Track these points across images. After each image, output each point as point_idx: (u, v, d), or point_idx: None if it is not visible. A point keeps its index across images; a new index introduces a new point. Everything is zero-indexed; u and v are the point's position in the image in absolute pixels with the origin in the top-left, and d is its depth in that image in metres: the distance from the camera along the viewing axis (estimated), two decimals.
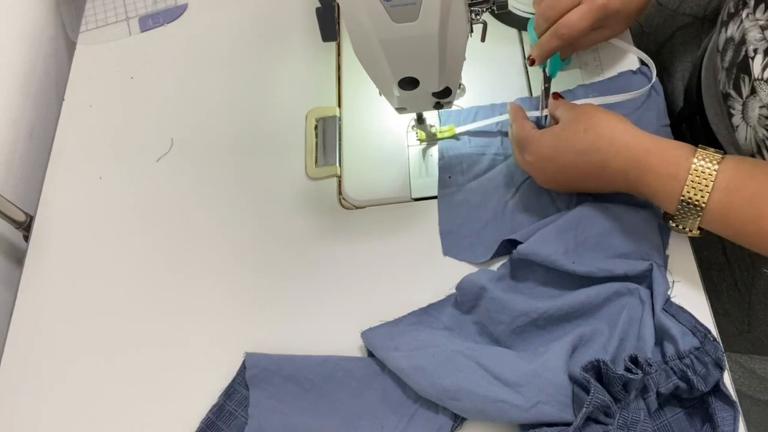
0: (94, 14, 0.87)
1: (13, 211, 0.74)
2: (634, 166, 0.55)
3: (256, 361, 0.61)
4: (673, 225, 0.57)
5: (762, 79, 0.56)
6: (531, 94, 0.72)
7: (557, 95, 0.65)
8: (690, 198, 0.53)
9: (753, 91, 0.58)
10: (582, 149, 0.57)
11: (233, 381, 0.61)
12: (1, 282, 0.76)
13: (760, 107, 0.57)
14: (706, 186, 0.52)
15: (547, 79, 0.67)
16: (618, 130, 0.57)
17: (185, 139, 0.77)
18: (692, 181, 0.52)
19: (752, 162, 0.54)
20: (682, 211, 0.54)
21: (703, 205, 0.53)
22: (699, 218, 0.54)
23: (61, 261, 0.71)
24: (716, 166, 0.52)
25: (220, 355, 0.63)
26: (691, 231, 0.56)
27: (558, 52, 0.65)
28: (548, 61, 0.66)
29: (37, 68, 0.87)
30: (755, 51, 0.57)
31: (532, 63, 0.66)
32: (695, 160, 0.53)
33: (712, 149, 0.54)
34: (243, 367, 0.61)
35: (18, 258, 0.79)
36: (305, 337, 0.63)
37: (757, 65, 0.57)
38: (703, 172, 0.52)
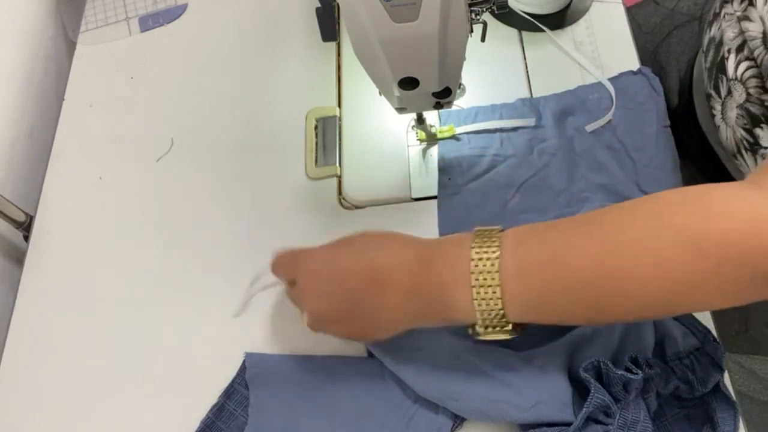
0: (94, 14, 0.87)
1: (13, 211, 0.74)
2: (418, 259, 0.50)
3: (256, 361, 0.61)
4: (481, 329, 0.48)
5: (736, 78, 0.56)
6: (531, 94, 0.72)
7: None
8: (480, 273, 0.46)
9: (729, 92, 0.58)
10: (362, 248, 0.53)
11: (233, 381, 0.61)
12: (1, 282, 0.76)
13: (736, 107, 0.57)
14: (493, 258, 0.46)
15: None
16: (395, 233, 0.53)
17: (185, 139, 0.77)
18: (477, 257, 0.47)
19: (529, 227, 0.48)
20: (480, 297, 0.46)
21: (497, 273, 0.46)
22: (499, 299, 0.46)
23: (61, 261, 0.71)
24: (496, 252, 0.46)
25: (220, 355, 0.63)
26: (503, 328, 0.48)
27: None
28: None
29: (37, 68, 0.87)
30: (729, 51, 0.56)
31: None
32: (473, 245, 0.47)
33: (488, 228, 0.48)
34: (243, 367, 0.61)
35: (18, 258, 0.79)
36: (305, 337, 0.63)
37: (731, 65, 0.56)
38: (486, 253, 0.47)
